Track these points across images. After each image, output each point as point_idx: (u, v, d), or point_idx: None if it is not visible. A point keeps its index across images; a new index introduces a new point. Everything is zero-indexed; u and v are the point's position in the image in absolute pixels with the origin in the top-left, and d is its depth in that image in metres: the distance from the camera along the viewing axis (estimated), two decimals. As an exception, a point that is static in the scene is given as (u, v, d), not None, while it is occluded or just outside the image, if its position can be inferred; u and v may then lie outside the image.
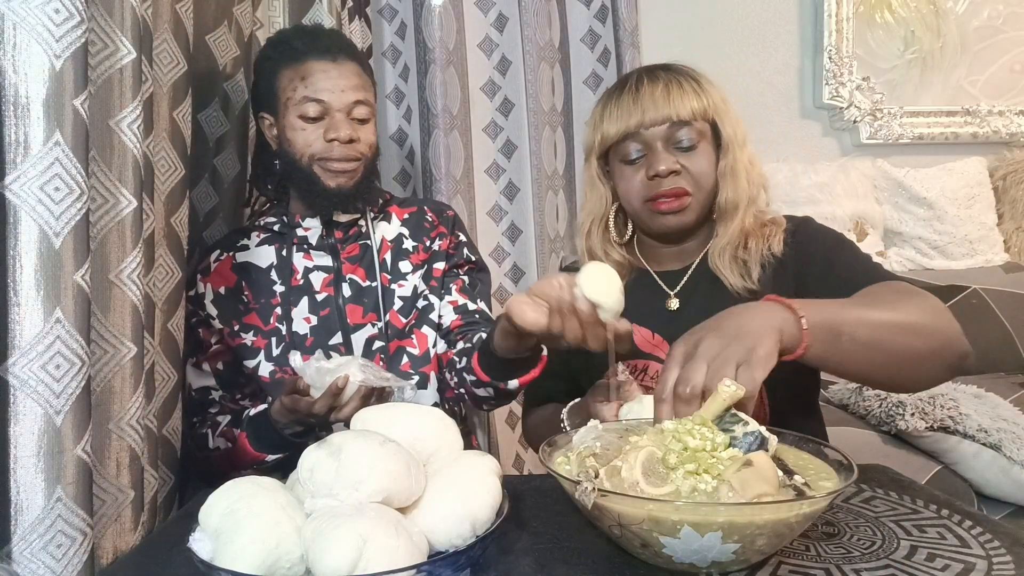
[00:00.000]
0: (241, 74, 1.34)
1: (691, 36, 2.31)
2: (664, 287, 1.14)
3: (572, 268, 1.22)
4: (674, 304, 1.12)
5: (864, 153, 2.40)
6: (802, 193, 2.20)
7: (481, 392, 1.09)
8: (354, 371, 0.96)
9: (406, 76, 1.84)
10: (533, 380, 1.08)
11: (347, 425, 1.01)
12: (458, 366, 1.13)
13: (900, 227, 2.28)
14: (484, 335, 1.10)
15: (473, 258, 1.31)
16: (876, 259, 2.17)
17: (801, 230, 1.09)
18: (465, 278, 1.28)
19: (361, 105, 1.15)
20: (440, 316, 1.24)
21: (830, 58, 2.35)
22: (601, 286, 0.82)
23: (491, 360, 1.02)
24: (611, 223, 1.16)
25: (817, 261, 1.04)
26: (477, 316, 1.25)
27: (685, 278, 1.13)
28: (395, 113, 1.88)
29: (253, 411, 1.10)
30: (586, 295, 0.82)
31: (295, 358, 0.99)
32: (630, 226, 1.17)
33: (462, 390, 1.14)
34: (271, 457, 1.08)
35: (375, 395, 0.98)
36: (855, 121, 2.38)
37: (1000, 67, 2.45)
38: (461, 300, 1.25)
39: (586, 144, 1.17)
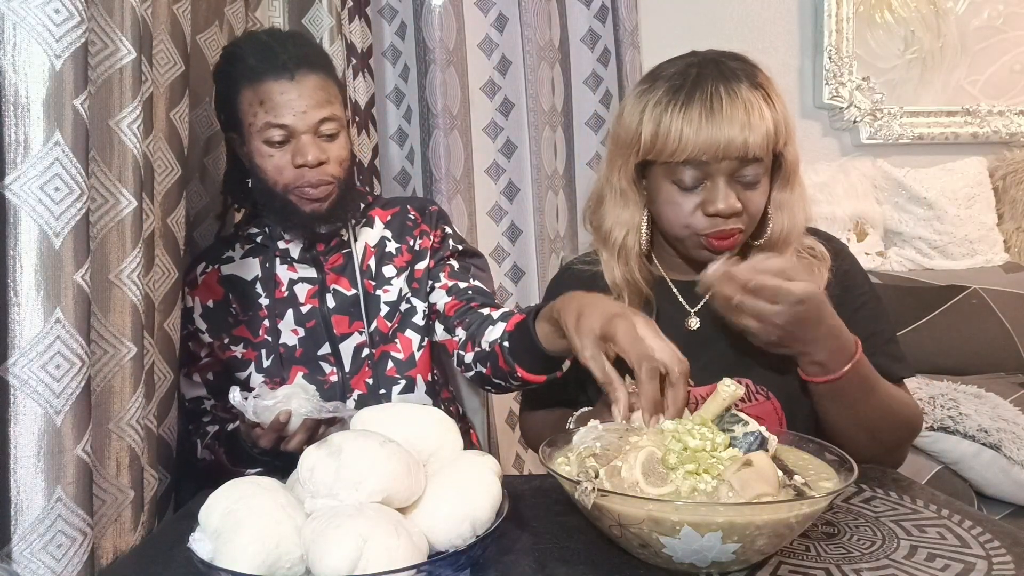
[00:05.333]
0: None
1: (691, 36, 2.29)
2: (683, 302, 1.05)
3: (579, 261, 1.17)
4: (694, 323, 1.04)
5: (864, 153, 2.39)
6: (802, 193, 2.20)
7: (526, 386, 1.06)
8: (297, 404, 0.95)
9: (406, 76, 1.84)
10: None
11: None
12: (478, 369, 1.10)
13: (900, 227, 2.28)
14: (507, 342, 1.03)
15: (460, 247, 1.27)
16: (876, 259, 2.21)
17: (841, 266, 1.03)
18: (453, 263, 1.24)
19: (327, 122, 1.10)
20: (432, 306, 1.22)
21: (830, 58, 2.34)
22: None
23: (537, 361, 0.98)
24: (644, 233, 1.02)
25: (846, 304, 0.98)
26: (471, 292, 1.20)
27: (707, 295, 1.03)
28: (395, 113, 1.87)
29: (231, 426, 1.10)
30: None
31: (235, 395, 0.96)
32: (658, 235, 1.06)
33: (487, 387, 1.13)
34: (249, 471, 1.07)
35: (323, 425, 0.98)
36: (855, 121, 2.37)
37: (1000, 67, 2.45)
38: (451, 283, 1.21)
39: (625, 140, 0.98)
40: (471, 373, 1.13)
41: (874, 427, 0.94)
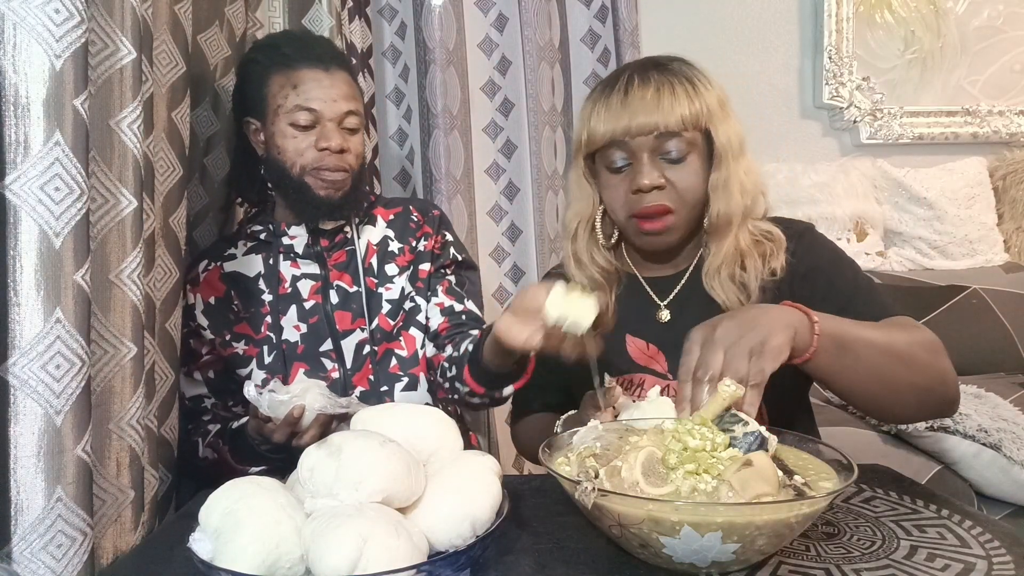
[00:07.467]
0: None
1: (691, 36, 2.31)
2: (654, 297, 1.09)
3: (555, 273, 1.19)
4: (665, 316, 1.07)
5: (864, 153, 2.39)
6: (802, 193, 2.20)
7: (475, 400, 1.12)
8: (311, 399, 0.95)
9: (406, 76, 1.84)
10: (522, 388, 1.11)
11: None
12: (449, 375, 1.15)
13: (900, 227, 2.28)
14: (472, 346, 1.11)
15: (460, 257, 1.30)
16: (876, 259, 2.21)
17: (803, 244, 1.02)
18: (452, 278, 1.27)
19: (352, 115, 1.16)
20: (427, 318, 1.24)
21: (830, 58, 2.35)
22: (562, 305, 0.86)
23: (483, 372, 1.05)
24: (598, 225, 1.08)
25: (818, 277, 1.00)
26: (464, 317, 1.24)
27: (677, 288, 1.07)
28: (395, 113, 1.87)
29: (236, 424, 1.10)
30: (548, 314, 0.86)
31: (249, 389, 0.96)
32: (616, 228, 1.10)
33: (454, 396, 1.15)
34: (253, 469, 1.07)
35: (335, 421, 0.98)
36: (855, 121, 2.38)
37: (1000, 67, 2.45)
38: (447, 302, 1.25)
39: (574, 142, 1.09)
40: (447, 384, 1.17)
41: (884, 375, 0.86)
